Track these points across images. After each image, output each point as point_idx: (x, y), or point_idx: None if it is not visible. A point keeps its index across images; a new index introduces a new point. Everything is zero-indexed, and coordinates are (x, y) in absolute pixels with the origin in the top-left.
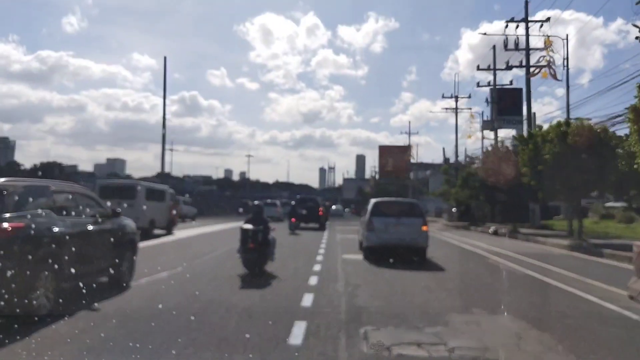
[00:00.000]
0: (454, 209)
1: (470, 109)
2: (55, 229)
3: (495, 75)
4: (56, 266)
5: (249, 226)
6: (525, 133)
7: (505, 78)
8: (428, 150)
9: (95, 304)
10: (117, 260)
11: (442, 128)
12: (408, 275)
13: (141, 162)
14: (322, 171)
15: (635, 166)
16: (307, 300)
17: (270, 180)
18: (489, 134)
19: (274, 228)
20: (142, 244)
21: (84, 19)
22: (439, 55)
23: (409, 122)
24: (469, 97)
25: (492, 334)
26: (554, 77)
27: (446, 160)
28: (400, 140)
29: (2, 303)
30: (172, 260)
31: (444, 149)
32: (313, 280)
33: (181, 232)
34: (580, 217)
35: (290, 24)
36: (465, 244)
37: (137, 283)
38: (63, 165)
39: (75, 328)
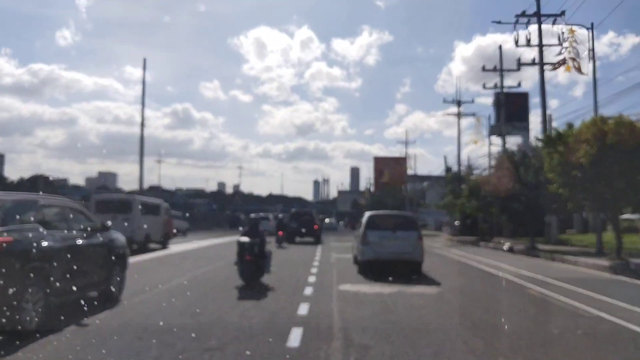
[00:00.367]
0: (456, 222)
1: (474, 114)
2: (44, 243)
3: (502, 76)
4: (45, 281)
5: (245, 239)
6: (533, 139)
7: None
8: (422, 163)
9: (85, 319)
10: (107, 275)
11: (437, 140)
12: (439, 326)
13: (133, 176)
14: (316, 184)
15: None
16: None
17: (264, 193)
18: (493, 142)
19: (269, 241)
20: (139, 258)
21: (77, 32)
22: (432, 68)
23: (406, 131)
24: (472, 101)
25: None
26: (578, 70)
27: (448, 169)
28: (395, 152)
29: None
30: (169, 274)
31: (445, 157)
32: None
33: (176, 247)
34: (619, 231)
35: (284, 37)
36: (484, 264)
37: (137, 298)
38: (51, 178)
39: (63, 343)
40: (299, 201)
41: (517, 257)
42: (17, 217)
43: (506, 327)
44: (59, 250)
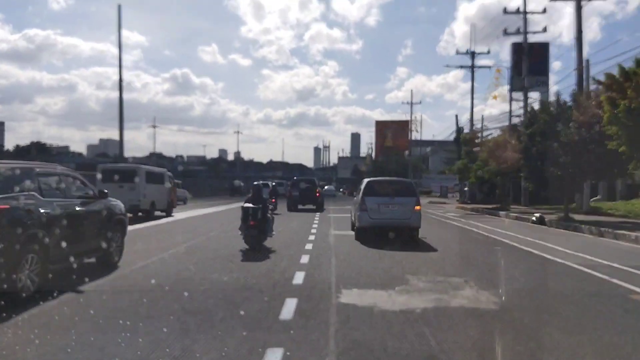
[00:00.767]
0: (466, 188)
1: (490, 67)
2: (41, 210)
3: (525, 19)
4: (42, 247)
5: (249, 205)
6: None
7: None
8: (424, 127)
9: (82, 286)
10: (105, 241)
11: (438, 104)
12: None
13: (135, 143)
14: (317, 150)
15: None
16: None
17: (265, 160)
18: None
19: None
20: (145, 224)
21: None
22: (434, 29)
23: (411, 90)
24: (488, 52)
25: None
26: None
27: (459, 129)
28: (396, 117)
29: None
30: (174, 240)
31: (456, 116)
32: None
33: (179, 214)
34: None
35: None
36: (524, 244)
37: (138, 264)
38: (48, 145)
39: (59, 309)
40: (299, 168)
41: (555, 231)
42: (13, 185)
43: None
44: (55, 217)
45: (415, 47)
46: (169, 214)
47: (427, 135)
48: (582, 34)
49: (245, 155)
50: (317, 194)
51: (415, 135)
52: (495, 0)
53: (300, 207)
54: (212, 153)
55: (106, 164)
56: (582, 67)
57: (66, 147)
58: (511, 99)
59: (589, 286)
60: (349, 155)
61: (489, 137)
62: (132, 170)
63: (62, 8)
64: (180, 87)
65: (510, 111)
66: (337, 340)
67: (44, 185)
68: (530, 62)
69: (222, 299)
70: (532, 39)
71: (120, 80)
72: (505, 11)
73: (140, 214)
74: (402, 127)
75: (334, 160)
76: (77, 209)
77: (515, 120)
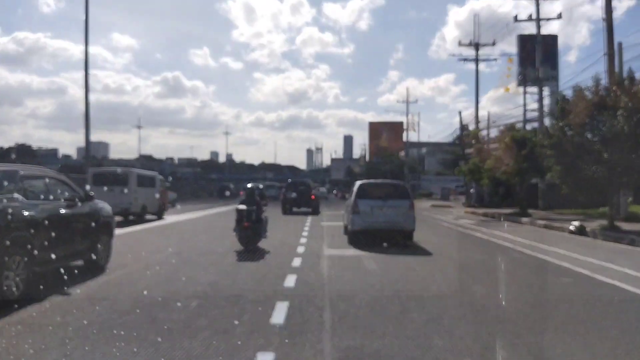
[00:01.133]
0: (472, 190)
1: (496, 59)
2: (25, 213)
3: (538, 6)
4: (26, 250)
5: (243, 207)
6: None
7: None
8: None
9: (68, 289)
10: (91, 244)
11: (430, 107)
12: None
13: (126, 145)
14: (309, 152)
15: None
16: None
17: (257, 162)
18: (519, 92)
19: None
20: (136, 228)
21: None
22: (425, 33)
23: (407, 88)
24: (493, 44)
25: None
26: None
27: (463, 127)
28: (388, 119)
29: None
30: (164, 243)
31: (460, 112)
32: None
33: (171, 217)
34: None
35: (273, 1)
36: (589, 269)
37: (125, 269)
38: (34, 147)
39: (46, 312)
40: (292, 170)
41: (609, 246)
42: None
43: None
44: (40, 220)
45: (407, 50)
46: (160, 217)
47: (420, 138)
48: (612, 14)
49: (238, 158)
50: (312, 197)
51: (412, 135)
52: (485, 4)
53: (295, 209)
54: (203, 155)
55: (95, 167)
56: (612, 52)
57: (54, 150)
58: (525, 92)
59: None
60: (341, 157)
61: (502, 134)
62: (123, 174)
63: (53, 11)
64: (172, 90)
65: (525, 104)
66: (330, 344)
67: (29, 187)
68: (541, 53)
69: (212, 302)
70: (545, 28)
71: (87, 79)
72: None
73: (131, 217)
74: (396, 128)
75: (326, 162)
76: (63, 211)
77: (529, 116)
